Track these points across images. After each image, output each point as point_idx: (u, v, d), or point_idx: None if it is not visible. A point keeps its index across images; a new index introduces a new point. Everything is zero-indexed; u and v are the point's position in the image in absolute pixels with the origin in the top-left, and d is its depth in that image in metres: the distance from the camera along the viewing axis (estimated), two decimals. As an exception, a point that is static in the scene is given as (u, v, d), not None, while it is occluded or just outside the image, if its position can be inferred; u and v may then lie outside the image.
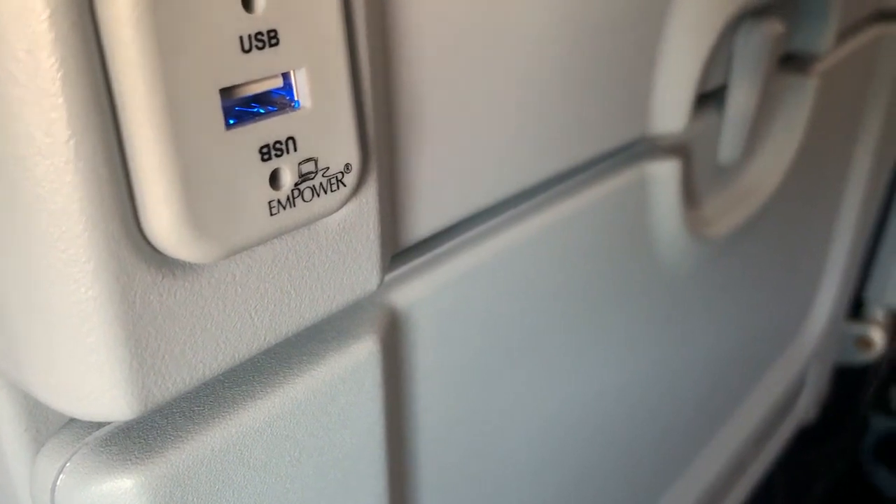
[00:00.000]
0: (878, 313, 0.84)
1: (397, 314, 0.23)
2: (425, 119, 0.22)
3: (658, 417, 0.45)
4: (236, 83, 0.15)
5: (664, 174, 0.32)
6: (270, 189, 0.16)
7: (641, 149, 0.33)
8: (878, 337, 0.83)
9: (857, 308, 0.83)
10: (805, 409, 0.74)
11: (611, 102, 0.28)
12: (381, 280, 0.20)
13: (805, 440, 0.80)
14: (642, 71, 0.29)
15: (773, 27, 0.36)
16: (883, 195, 0.70)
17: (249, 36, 0.15)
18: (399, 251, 0.23)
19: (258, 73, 0.16)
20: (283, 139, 0.16)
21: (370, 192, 0.19)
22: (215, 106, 0.15)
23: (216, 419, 0.19)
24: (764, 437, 0.65)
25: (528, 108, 0.25)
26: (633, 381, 0.39)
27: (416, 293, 0.24)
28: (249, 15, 0.15)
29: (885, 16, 0.53)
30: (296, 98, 0.17)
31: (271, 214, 0.16)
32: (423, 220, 0.23)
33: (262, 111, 0.16)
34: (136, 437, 0.18)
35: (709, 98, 0.37)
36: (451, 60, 0.22)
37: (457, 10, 0.21)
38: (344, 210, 0.19)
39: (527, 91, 0.25)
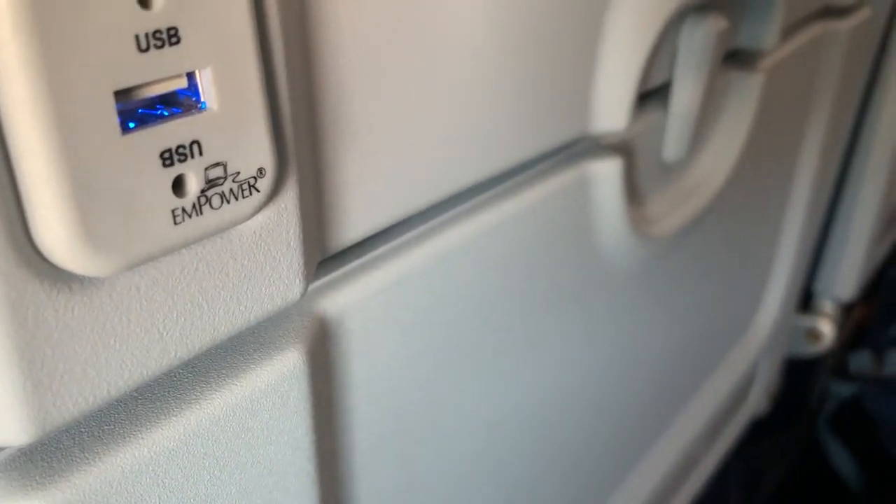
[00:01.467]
0: (828, 306, 0.85)
1: (326, 323, 0.22)
2: (352, 119, 0.21)
3: (609, 415, 0.44)
4: (133, 85, 0.14)
5: (607, 173, 0.32)
6: (174, 196, 0.15)
7: (583, 147, 0.32)
8: (827, 329, 0.84)
9: (806, 301, 0.84)
10: (756, 401, 0.75)
11: (550, 100, 0.28)
12: (305, 289, 0.20)
13: (757, 432, 0.81)
14: (582, 68, 0.29)
15: (717, 23, 0.35)
16: (830, 189, 0.71)
17: (146, 34, 0.14)
18: (327, 257, 0.22)
19: (158, 74, 0.15)
20: (186, 143, 0.15)
21: (289, 197, 0.18)
22: (109, 109, 0.14)
23: (127, 438, 0.18)
24: (716, 431, 0.66)
25: (463, 106, 0.24)
26: (582, 381, 0.39)
27: (346, 300, 0.23)
28: (146, 12, 0.14)
29: (829, 12, 0.53)
30: (202, 99, 0.16)
31: (175, 223, 0.15)
32: (353, 224, 0.22)
33: (165, 114, 0.15)
34: (39, 461, 0.17)
35: (654, 95, 0.36)
36: (380, 58, 0.21)
37: (384, 4, 0.20)
38: (260, 217, 0.18)
39: (461, 89, 0.24)
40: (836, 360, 1.02)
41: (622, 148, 0.34)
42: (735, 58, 0.44)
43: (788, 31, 0.47)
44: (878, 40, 0.66)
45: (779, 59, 0.46)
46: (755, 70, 0.43)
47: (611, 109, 0.30)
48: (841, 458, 1.04)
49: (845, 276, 0.82)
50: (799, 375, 0.94)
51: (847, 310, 0.92)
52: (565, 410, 0.39)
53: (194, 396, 0.19)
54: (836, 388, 1.07)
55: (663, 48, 0.34)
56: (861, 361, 1.07)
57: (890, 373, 1.04)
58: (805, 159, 0.60)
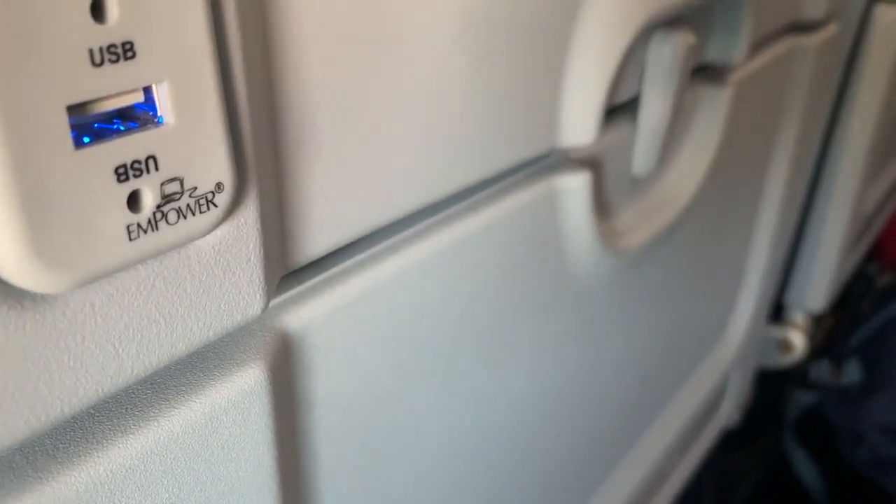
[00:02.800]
0: (799, 317, 0.86)
1: (289, 339, 0.22)
2: (316, 132, 0.21)
3: (579, 428, 0.44)
4: (87, 99, 0.14)
5: (575, 187, 0.32)
6: (129, 212, 0.15)
7: (552, 161, 0.32)
8: (798, 340, 0.85)
9: (778, 312, 0.85)
10: (728, 413, 0.75)
11: (518, 115, 0.28)
12: (266, 305, 0.19)
13: (730, 443, 0.81)
14: (550, 82, 0.29)
15: (685, 38, 0.36)
16: (801, 202, 0.72)
17: (101, 48, 0.14)
18: (290, 272, 0.22)
19: (113, 88, 0.14)
20: (142, 158, 0.15)
21: (249, 212, 0.18)
22: (61, 124, 0.14)
23: (83, 457, 0.17)
24: (688, 443, 0.66)
25: (431, 119, 0.24)
26: (553, 394, 0.39)
27: (310, 316, 0.23)
28: (100, 26, 0.14)
29: (798, 27, 0.54)
30: (159, 113, 0.15)
31: (130, 239, 0.15)
32: (317, 238, 0.22)
33: (121, 128, 0.15)
34: (-9, 481, 0.17)
35: (623, 109, 0.37)
36: (344, 71, 0.21)
37: (348, 17, 0.20)
38: (218, 232, 0.17)
39: (428, 102, 0.24)
40: (799, 369, 1.04)
41: (591, 162, 0.34)
42: (704, 72, 0.44)
43: (757, 47, 0.47)
44: (846, 55, 0.67)
45: (747, 73, 0.46)
46: (724, 85, 0.43)
47: (579, 124, 0.30)
48: (803, 465, 1.05)
49: (816, 288, 0.83)
50: (770, 386, 0.95)
51: (818, 320, 0.93)
52: (536, 423, 0.39)
53: (153, 413, 0.19)
54: (798, 396, 1.09)
55: (632, 63, 0.34)
56: (820, 370, 1.09)
57: (847, 382, 1.06)
58: (775, 172, 0.60)
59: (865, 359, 1.07)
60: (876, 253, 1.15)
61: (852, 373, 1.07)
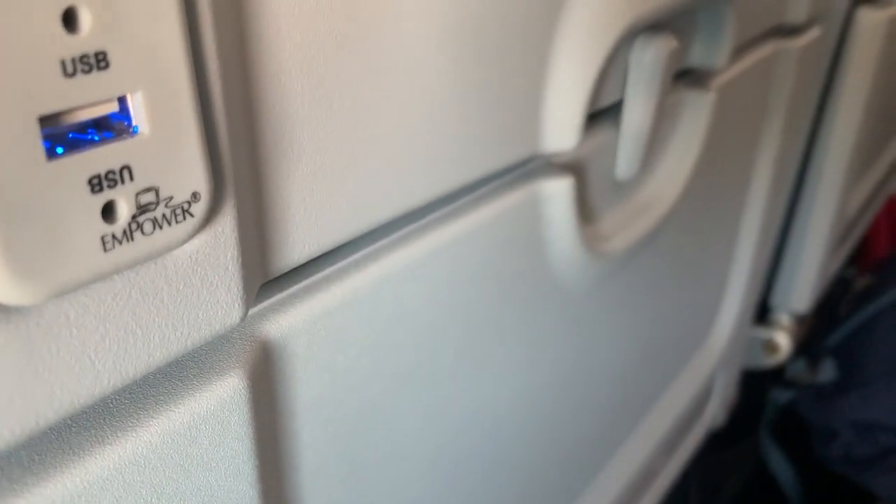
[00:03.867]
0: (784, 318, 0.86)
1: (270, 347, 0.22)
2: (295, 139, 0.21)
3: (565, 431, 0.44)
4: (59, 110, 0.14)
5: (558, 191, 0.32)
6: (103, 223, 0.15)
7: (534, 166, 0.32)
8: (783, 341, 0.85)
9: (763, 313, 0.85)
10: (714, 414, 0.75)
11: (500, 120, 0.28)
12: (244, 314, 0.19)
13: (715, 445, 0.82)
14: (532, 89, 0.29)
15: (667, 43, 0.36)
16: (785, 204, 0.72)
17: (73, 59, 0.14)
18: (270, 279, 0.22)
19: (86, 99, 0.14)
20: (116, 168, 0.15)
21: (227, 221, 0.18)
22: (33, 135, 0.14)
23: (58, 468, 0.17)
24: (673, 445, 0.66)
25: (411, 125, 0.24)
26: (537, 398, 0.39)
27: (290, 323, 0.22)
28: (73, 36, 0.14)
29: (781, 31, 0.54)
30: (133, 123, 0.15)
31: (105, 250, 0.15)
32: (297, 246, 0.22)
33: (96, 138, 0.15)
34: (-35, 493, 0.17)
35: (606, 113, 0.37)
36: (323, 77, 0.21)
37: (328, 23, 0.20)
38: (195, 241, 0.17)
39: (409, 108, 0.24)
40: (778, 368, 1.05)
41: (574, 166, 0.34)
42: (687, 77, 0.44)
43: (740, 51, 0.47)
44: (830, 58, 0.68)
45: (730, 78, 0.46)
46: (707, 89, 0.44)
47: (561, 129, 0.30)
48: (778, 463, 1.06)
49: (801, 290, 0.83)
50: (756, 387, 0.95)
51: (802, 321, 0.94)
52: (521, 427, 0.39)
53: (131, 423, 0.18)
54: (775, 394, 1.10)
55: (615, 68, 0.34)
56: (797, 369, 1.10)
57: (822, 380, 1.07)
58: (759, 175, 0.60)
59: (840, 358, 1.08)
60: (854, 256, 1.16)
61: (828, 371, 1.08)
